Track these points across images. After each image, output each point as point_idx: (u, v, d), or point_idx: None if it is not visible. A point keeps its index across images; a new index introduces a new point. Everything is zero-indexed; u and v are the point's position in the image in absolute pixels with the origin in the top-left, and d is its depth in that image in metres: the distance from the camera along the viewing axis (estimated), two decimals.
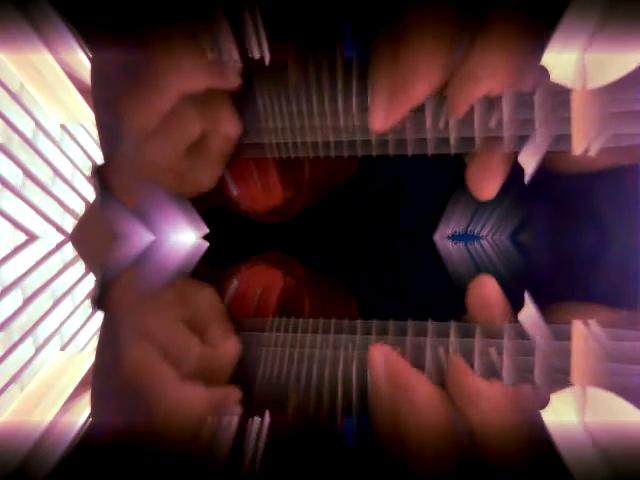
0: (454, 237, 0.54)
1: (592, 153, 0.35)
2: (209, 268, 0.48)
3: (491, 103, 0.35)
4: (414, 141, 0.38)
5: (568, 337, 0.31)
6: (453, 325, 0.33)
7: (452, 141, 0.37)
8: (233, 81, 0.36)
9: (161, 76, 0.35)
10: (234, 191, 0.49)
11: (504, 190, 0.45)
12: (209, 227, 0.48)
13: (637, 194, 0.46)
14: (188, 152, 0.38)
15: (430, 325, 0.33)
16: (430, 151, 0.38)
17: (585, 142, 0.35)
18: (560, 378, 0.27)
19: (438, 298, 0.43)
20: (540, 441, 0.22)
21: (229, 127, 0.38)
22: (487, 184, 0.38)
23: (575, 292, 0.41)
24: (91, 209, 0.46)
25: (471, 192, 0.39)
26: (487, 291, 0.42)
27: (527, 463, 0.21)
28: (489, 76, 0.33)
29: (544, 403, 0.24)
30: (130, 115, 0.36)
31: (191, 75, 0.35)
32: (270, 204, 0.49)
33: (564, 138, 0.36)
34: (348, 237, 0.58)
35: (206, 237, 0.49)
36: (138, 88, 0.35)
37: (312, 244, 0.57)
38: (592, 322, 0.33)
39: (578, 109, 0.35)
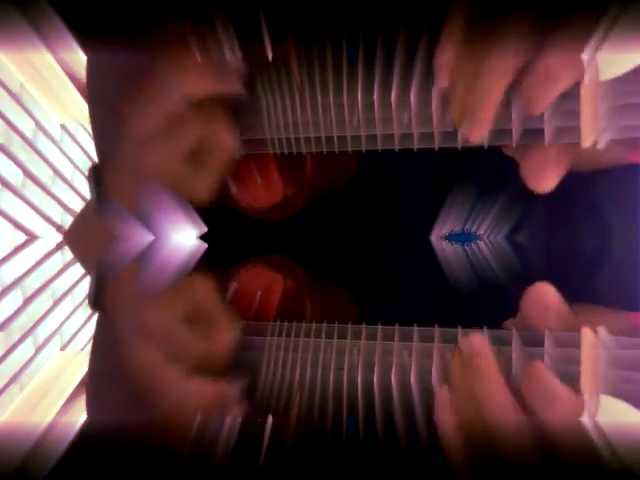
0: (451, 237, 0.54)
1: (600, 146, 0.35)
2: (208, 269, 0.48)
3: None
4: (419, 135, 0.38)
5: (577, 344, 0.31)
6: (460, 331, 0.33)
7: (459, 135, 0.37)
8: (236, 85, 0.36)
9: (164, 79, 0.35)
10: (233, 188, 0.49)
11: (501, 189, 0.45)
12: (208, 226, 0.48)
13: (637, 193, 0.46)
14: (185, 161, 0.38)
15: (437, 330, 0.33)
16: (436, 145, 0.38)
17: (594, 135, 0.35)
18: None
19: (437, 300, 0.43)
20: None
21: (226, 139, 0.38)
22: (545, 176, 0.38)
23: (573, 293, 0.41)
24: (87, 209, 0.46)
25: (528, 185, 0.39)
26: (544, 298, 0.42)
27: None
28: (565, 75, 0.33)
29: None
30: (130, 116, 0.36)
31: (193, 78, 0.35)
32: (270, 201, 0.49)
33: (572, 130, 0.36)
34: (347, 237, 0.58)
35: (205, 236, 0.49)
36: (139, 90, 0.35)
37: (310, 244, 0.57)
38: (600, 329, 0.33)
39: (587, 101, 0.34)
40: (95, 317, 0.36)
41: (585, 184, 0.47)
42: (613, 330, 0.33)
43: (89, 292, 0.40)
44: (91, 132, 0.40)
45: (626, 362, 0.29)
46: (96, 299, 0.39)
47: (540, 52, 0.32)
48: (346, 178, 0.55)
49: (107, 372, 0.29)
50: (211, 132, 0.37)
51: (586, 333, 0.33)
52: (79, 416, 0.25)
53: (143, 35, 0.35)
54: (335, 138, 0.39)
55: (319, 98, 0.38)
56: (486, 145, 0.37)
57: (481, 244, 0.53)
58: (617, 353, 0.30)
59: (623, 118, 0.34)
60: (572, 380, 0.27)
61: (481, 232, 0.53)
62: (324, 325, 0.34)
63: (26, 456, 0.21)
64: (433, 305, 0.42)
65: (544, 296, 0.41)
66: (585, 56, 0.33)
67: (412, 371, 0.28)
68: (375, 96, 0.37)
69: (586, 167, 0.41)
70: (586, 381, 0.27)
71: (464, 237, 0.54)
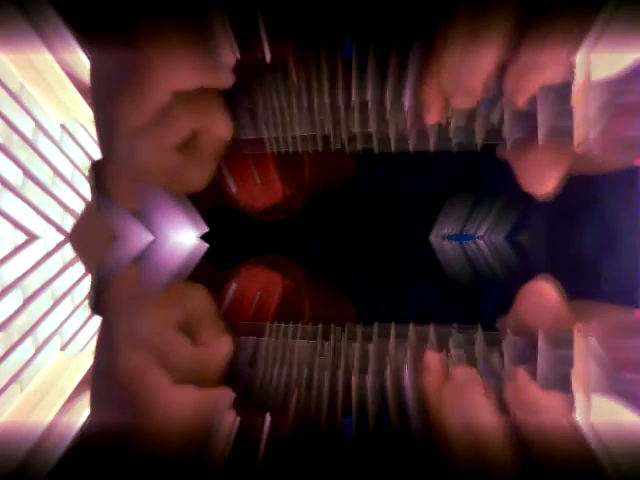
0: (450, 237, 0.54)
1: (592, 146, 0.35)
2: (209, 269, 0.48)
3: (493, 99, 0.35)
4: (416, 137, 0.38)
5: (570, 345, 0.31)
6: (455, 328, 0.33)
7: (454, 138, 0.37)
8: (226, 79, 0.36)
9: (152, 73, 0.35)
10: (233, 188, 0.49)
11: (502, 190, 0.44)
12: (208, 226, 0.48)
13: (636, 194, 0.46)
14: (178, 151, 0.38)
15: (432, 329, 0.33)
16: (432, 148, 0.38)
17: (585, 134, 0.35)
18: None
19: (436, 300, 0.43)
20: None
21: (220, 127, 0.38)
22: (544, 180, 0.38)
23: (573, 294, 0.41)
24: (89, 208, 0.46)
25: (526, 190, 0.39)
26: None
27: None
28: (548, 64, 0.33)
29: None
30: (122, 111, 0.36)
31: (182, 73, 0.35)
32: (270, 201, 0.50)
33: (565, 130, 0.36)
34: (345, 237, 0.58)
35: (205, 236, 0.49)
36: (130, 85, 0.35)
37: (309, 244, 0.57)
38: (594, 329, 0.33)
39: (578, 102, 0.35)
40: (95, 318, 0.36)
41: (585, 184, 0.47)
42: (614, 327, 0.33)
43: (89, 296, 0.40)
44: (92, 132, 0.40)
45: (619, 362, 0.29)
46: (97, 301, 0.39)
47: (525, 45, 0.32)
48: (345, 179, 0.55)
49: (108, 375, 0.29)
50: (204, 121, 0.37)
51: (580, 333, 0.33)
52: (79, 416, 0.25)
53: (143, 33, 0.35)
54: (331, 138, 0.39)
55: (315, 98, 0.38)
56: (479, 147, 0.37)
57: (481, 244, 0.53)
58: (610, 353, 0.30)
59: (614, 117, 0.34)
60: (565, 381, 0.27)
61: (481, 232, 0.53)
62: (320, 326, 0.34)
63: (26, 456, 0.21)
64: (432, 305, 0.42)
65: (542, 292, 0.41)
66: (576, 55, 0.33)
67: (406, 369, 0.28)
68: (369, 98, 0.37)
69: (590, 171, 0.41)
70: (579, 382, 0.27)
71: (463, 237, 0.54)
